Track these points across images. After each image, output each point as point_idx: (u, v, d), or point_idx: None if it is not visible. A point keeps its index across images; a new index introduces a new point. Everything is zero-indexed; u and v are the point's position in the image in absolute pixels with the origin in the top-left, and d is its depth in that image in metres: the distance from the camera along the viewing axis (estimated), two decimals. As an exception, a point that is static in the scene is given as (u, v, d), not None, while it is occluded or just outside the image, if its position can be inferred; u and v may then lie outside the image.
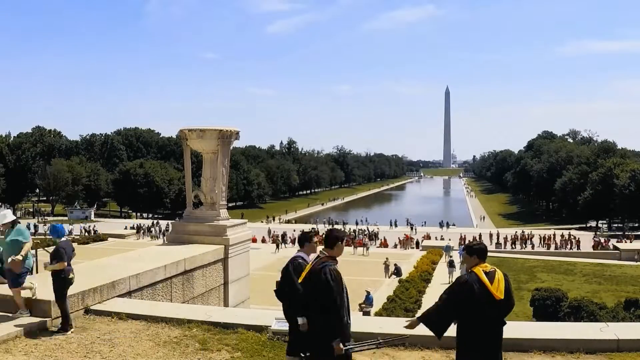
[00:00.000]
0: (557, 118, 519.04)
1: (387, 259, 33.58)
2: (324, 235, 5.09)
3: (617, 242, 49.08)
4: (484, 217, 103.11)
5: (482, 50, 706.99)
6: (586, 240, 53.79)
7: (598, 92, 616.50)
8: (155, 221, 68.90)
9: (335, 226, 61.30)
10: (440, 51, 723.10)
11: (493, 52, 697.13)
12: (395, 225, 72.11)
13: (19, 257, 7.17)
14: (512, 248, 51.12)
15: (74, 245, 8.57)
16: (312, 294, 4.77)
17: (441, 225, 72.24)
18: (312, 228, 65.26)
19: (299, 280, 4.97)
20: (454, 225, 75.04)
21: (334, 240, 4.83)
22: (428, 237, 53.63)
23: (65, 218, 77.30)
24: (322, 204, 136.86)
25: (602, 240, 54.16)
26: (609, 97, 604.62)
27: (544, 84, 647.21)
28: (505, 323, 5.00)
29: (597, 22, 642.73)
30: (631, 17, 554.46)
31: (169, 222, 63.69)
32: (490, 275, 4.89)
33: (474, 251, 5.04)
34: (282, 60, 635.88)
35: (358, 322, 7.91)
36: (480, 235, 54.79)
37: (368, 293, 22.62)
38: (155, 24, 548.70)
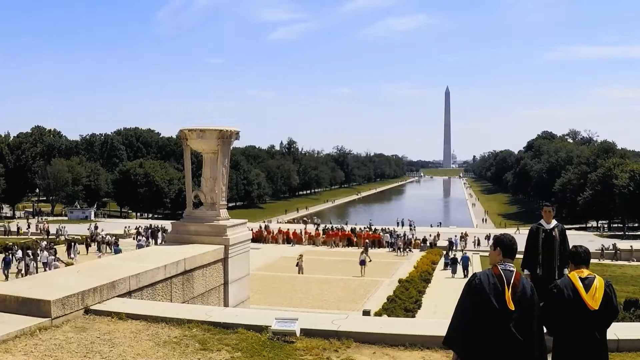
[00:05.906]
0: (556, 119, 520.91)
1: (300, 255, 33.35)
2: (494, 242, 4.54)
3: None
4: (485, 219, 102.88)
5: (478, 54, 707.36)
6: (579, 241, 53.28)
7: (581, 96, 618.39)
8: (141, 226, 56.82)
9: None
10: (437, 55, 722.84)
11: (489, 56, 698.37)
12: (402, 225, 72.51)
13: None
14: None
15: None
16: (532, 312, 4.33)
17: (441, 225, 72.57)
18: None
19: (509, 301, 4.25)
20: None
21: (514, 250, 4.47)
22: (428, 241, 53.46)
23: (65, 218, 77.35)
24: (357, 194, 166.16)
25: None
26: (592, 102, 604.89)
27: (542, 86, 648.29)
28: (603, 336, 4.60)
29: (583, 30, 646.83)
30: (614, 25, 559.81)
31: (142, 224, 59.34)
32: (587, 282, 4.55)
33: (569, 256, 4.77)
34: (283, 64, 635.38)
35: (358, 322, 7.93)
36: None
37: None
38: (163, 32, 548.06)
